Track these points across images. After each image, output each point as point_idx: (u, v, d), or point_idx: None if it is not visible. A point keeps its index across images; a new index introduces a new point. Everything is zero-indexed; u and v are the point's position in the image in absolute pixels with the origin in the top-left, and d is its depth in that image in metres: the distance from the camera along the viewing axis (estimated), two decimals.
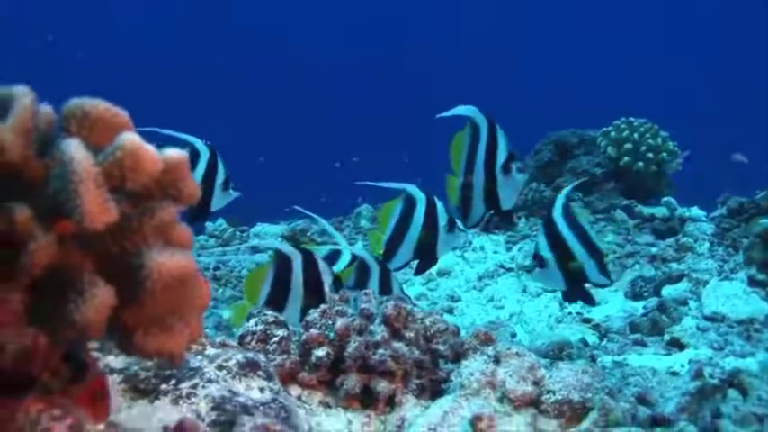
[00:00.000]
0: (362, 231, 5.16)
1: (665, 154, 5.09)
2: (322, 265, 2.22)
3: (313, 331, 1.54)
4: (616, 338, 3.01)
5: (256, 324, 1.56)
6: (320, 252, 2.68)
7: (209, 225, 5.46)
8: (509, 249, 4.59)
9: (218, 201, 2.71)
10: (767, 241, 2.44)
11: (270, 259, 2.27)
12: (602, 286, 2.59)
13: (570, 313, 3.53)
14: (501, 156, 2.30)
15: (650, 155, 5.07)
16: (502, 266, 4.33)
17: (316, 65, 16.56)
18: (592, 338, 3.04)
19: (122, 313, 0.76)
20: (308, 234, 5.07)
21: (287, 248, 2.24)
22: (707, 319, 3.16)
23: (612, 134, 5.16)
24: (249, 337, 1.55)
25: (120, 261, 0.74)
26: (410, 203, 2.60)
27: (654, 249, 4.26)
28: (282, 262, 2.21)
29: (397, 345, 1.53)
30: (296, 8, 18.46)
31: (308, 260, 2.21)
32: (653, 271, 3.91)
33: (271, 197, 5.48)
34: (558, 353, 2.68)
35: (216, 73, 16.16)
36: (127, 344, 0.78)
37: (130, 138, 0.73)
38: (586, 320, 3.29)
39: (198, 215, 2.82)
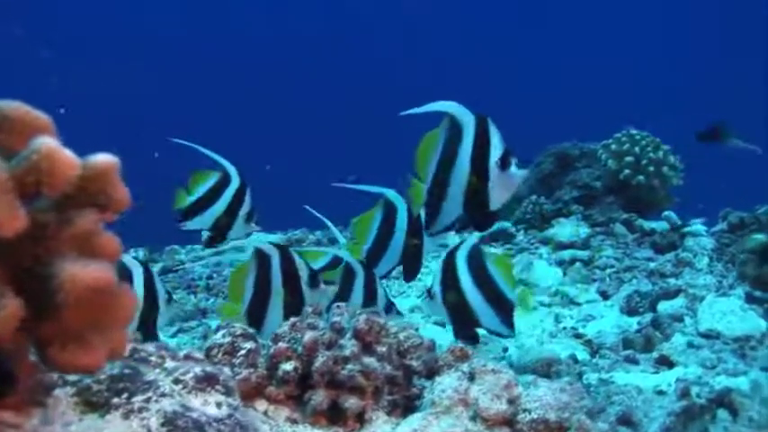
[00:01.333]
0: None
1: (666, 168, 5.04)
2: (298, 261, 2.21)
3: (281, 345, 1.50)
4: (608, 355, 2.96)
5: (223, 336, 1.52)
6: (324, 258, 2.67)
7: (205, 234, 5.41)
8: None
9: (238, 231, 2.70)
10: (762, 257, 2.39)
11: (249, 258, 2.27)
12: (502, 336, 2.54)
13: (565, 328, 3.48)
14: (495, 151, 2.17)
15: (651, 168, 5.02)
16: None
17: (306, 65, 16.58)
18: (582, 354, 2.99)
19: (38, 326, 0.71)
20: (304, 244, 5.04)
21: (265, 246, 2.23)
22: (702, 335, 3.10)
23: (613, 147, 5.11)
24: (216, 350, 1.51)
25: (34, 272, 0.70)
26: (390, 210, 2.57)
27: (652, 264, 4.21)
28: (261, 260, 2.21)
29: (367, 360, 1.48)
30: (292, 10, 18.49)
31: (285, 256, 2.21)
32: (650, 286, 3.85)
33: (268, 206, 5.44)
34: (546, 369, 2.63)
35: (215, 76, 16.15)
36: (43, 358, 0.74)
37: (46, 141, 0.69)
38: (578, 336, 3.24)
39: (214, 241, 2.80)
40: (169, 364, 1.31)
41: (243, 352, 1.50)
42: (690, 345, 2.98)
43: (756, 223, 4.22)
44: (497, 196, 2.16)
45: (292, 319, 1.56)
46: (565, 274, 4.21)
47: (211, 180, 2.67)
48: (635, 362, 2.86)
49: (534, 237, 4.90)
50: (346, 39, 17.72)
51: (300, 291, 2.22)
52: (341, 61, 17.21)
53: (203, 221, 2.73)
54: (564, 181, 5.35)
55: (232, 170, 2.68)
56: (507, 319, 2.48)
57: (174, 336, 3.69)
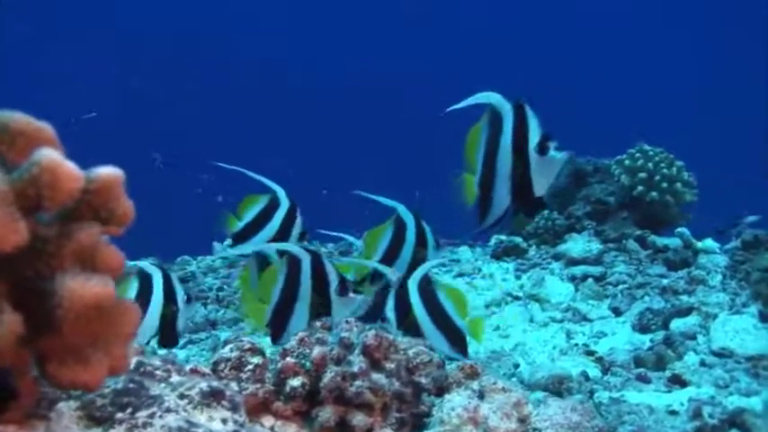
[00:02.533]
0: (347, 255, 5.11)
1: (679, 184, 5.00)
2: (328, 267, 2.23)
3: (289, 360, 1.48)
4: (619, 372, 2.93)
5: (231, 351, 1.51)
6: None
7: (216, 245, 5.41)
8: (518, 277, 4.51)
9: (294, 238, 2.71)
10: None
11: (281, 261, 2.29)
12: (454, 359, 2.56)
13: (576, 345, 3.45)
14: (534, 135, 2.16)
15: (665, 184, 4.98)
16: (510, 294, 4.25)
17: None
18: (594, 372, 2.96)
19: (37, 341, 0.70)
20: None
21: (296, 250, 2.24)
22: (714, 354, 3.07)
23: (627, 162, 5.08)
24: (223, 365, 1.50)
25: (35, 286, 0.69)
26: (401, 225, 2.60)
27: (665, 281, 4.17)
28: (292, 263, 2.22)
29: (376, 376, 1.47)
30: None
31: (317, 261, 2.22)
32: (663, 303, 3.82)
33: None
34: (557, 386, 2.61)
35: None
36: (42, 373, 0.73)
37: (48, 153, 0.68)
38: (590, 353, 3.21)
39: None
40: (175, 378, 1.29)
41: (250, 367, 1.49)
42: (702, 363, 2.95)
43: None
44: (540, 182, 2.16)
45: (300, 334, 1.55)
46: (577, 289, 4.18)
47: (261, 204, 2.67)
48: (647, 380, 2.83)
49: (546, 252, 4.87)
50: (354, 46, 17.78)
51: (329, 296, 2.24)
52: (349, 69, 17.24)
53: (255, 245, 2.73)
54: (577, 196, 5.32)
55: (281, 192, 2.68)
56: (459, 346, 2.52)
57: (183, 347, 3.68)
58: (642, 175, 4.99)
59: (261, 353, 1.52)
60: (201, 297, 4.43)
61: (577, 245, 4.68)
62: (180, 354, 3.56)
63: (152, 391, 1.22)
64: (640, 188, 4.99)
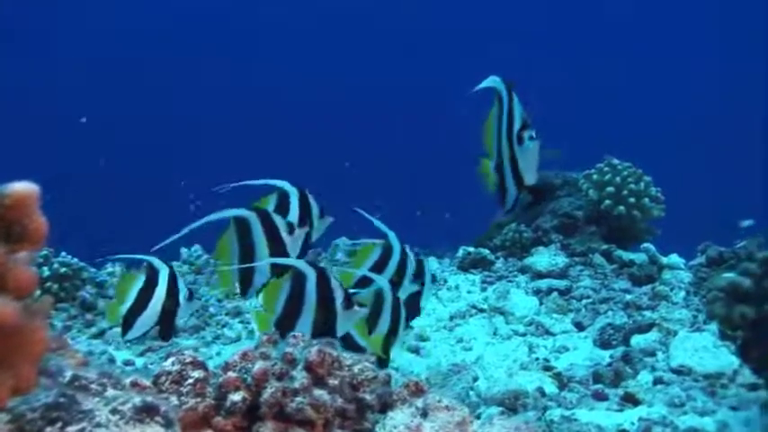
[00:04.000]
0: (338, 264, 5.09)
1: (647, 199, 5.03)
2: (334, 283, 2.25)
3: (230, 374, 1.47)
4: (577, 388, 2.93)
5: (172, 364, 1.49)
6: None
7: (183, 251, 5.38)
8: (484, 289, 4.51)
9: (319, 229, 2.70)
10: (731, 296, 2.37)
11: (288, 274, 2.30)
12: None
13: (537, 359, 3.45)
14: (516, 125, 2.18)
15: (632, 199, 5.00)
16: (474, 307, 4.25)
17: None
18: (551, 388, 2.96)
19: None
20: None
21: (302, 265, 2.25)
22: (673, 371, 3.08)
23: (595, 177, 5.10)
24: (164, 378, 1.48)
25: None
26: (388, 252, 2.66)
27: (629, 296, 4.19)
28: (298, 277, 2.23)
29: (318, 392, 1.45)
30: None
31: (322, 277, 2.24)
32: (625, 318, 3.84)
33: None
34: (513, 402, 2.61)
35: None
36: None
37: None
38: (549, 368, 3.21)
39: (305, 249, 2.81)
40: (110, 392, 1.27)
41: (191, 381, 1.47)
42: (660, 381, 2.96)
43: (735, 258, 4.20)
44: (525, 171, 2.17)
45: (244, 348, 1.53)
46: (541, 303, 4.19)
47: (272, 203, 2.66)
48: (604, 397, 2.83)
49: (513, 265, 4.87)
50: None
51: (334, 310, 2.25)
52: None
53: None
54: (545, 209, 5.33)
55: (285, 185, 2.66)
56: None
57: (141, 354, 3.64)
58: (610, 189, 5.01)
59: (203, 366, 1.50)
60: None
61: (543, 258, 4.69)
62: (138, 361, 3.53)
63: (84, 405, 1.20)
64: (608, 202, 5.01)
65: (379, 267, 2.70)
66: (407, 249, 2.76)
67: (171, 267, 2.61)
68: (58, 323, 4.00)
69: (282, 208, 2.57)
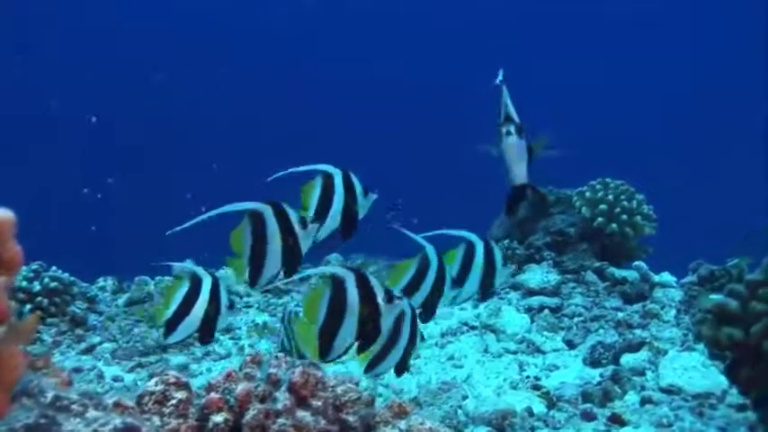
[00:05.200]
0: None
1: (639, 217, 5.03)
2: (373, 281, 2.26)
3: (213, 395, 1.47)
4: (565, 408, 2.92)
5: (156, 384, 1.48)
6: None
7: (175, 266, 5.37)
8: (476, 306, 4.51)
9: (364, 206, 2.72)
10: (719, 317, 2.37)
11: (324, 280, 2.31)
12: None
13: (528, 377, 3.45)
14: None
15: (624, 217, 5.01)
16: (466, 324, 4.25)
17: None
18: (539, 407, 2.95)
19: None
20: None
21: (339, 270, 2.27)
22: (662, 391, 3.08)
23: (588, 194, 5.10)
24: (147, 398, 1.47)
25: None
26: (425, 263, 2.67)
27: (620, 314, 4.19)
28: (337, 281, 2.25)
29: (301, 414, 1.45)
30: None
31: (361, 276, 2.26)
32: (616, 336, 3.83)
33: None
34: (500, 422, 2.60)
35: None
36: None
37: None
38: (538, 387, 3.20)
39: (350, 229, 2.82)
40: (91, 413, 1.27)
41: (174, 401, 1.47)
42: (649, 400, 2.95)
43: (726, 276, 4.21)
44: (508, 168, 2.20)
45: (228, 368, 1.53)
46: (533, 320, 4.19)
47: (317, 188, 2.69)
48: (592, 417, 2.83)
49: (506, 281, 4.87)
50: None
51: (378, 310, 2.25)
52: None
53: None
54: (538, 226, 5.33)
55: (327, 167, 2.69)
56: None
57: (131, 371, 3.63)
58: (602, 206, 5.01)
59: (186, 387, 1.50)
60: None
61: (536, 276, 4.69)
62: (127, 377, 3.52)
63: (64, 426, 1.20)
64: (600, 220, 5.01)
65: (416, 282, 2.72)
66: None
67: (215, 277, 2.73)
68: (48, 338, 4.00)
69: (328, 189, 2.60)
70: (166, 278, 4.87)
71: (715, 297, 2.52)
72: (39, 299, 4.15)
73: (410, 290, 2.71)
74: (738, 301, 2.38)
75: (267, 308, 4.71)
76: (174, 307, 2.64)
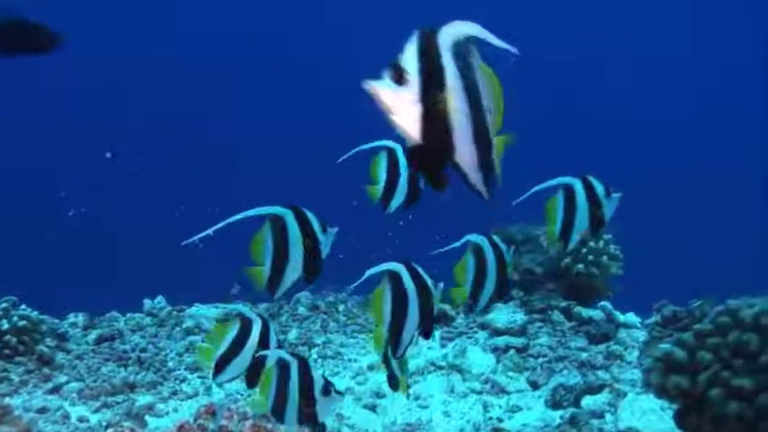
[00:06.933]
0: (299, 318, 5.13)
1: (605, 257, 5.11)
2: (422, 271, 2.28)
3: None
4: None
5: None
6: None
7: (147, 302, 5.40)
8: (443, 346, 4.56)
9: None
10: (668, 365, 2.44)
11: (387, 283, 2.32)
12: None
13: (491, 418, 3.50)
14: None
15: (591, 257, 5.08)
16: (433, 364, 4.30)
17: None
18: None
19: None
20: None
21: (395, 266, 2.29)
22: None
23: None
24: None
25: None
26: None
27: (584, 354, 4.25)
28: (395, 278, 2.27)
29: None
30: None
31: (413, 269, 2.28)
32: (579, 377, 3.89)
33: (210, 275, 5.37)
34: None
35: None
36: None
37: None
38: (499, 430, 3.26)
39: (413, 199, 2.83)
40: None
41: None
42: None
43: (689, 317, 4.28)
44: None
45: (181, 420, 1.58)
46: (498, 360, 4.24)
47: (383, 160, 2.72)
48: None
49: (474, 321, 4.92)
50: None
51: (431, 296, 2.30)
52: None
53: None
54: None
55: (388, 143, 2.72)
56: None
57: (96, 411, 3.64)
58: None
59: None
60: (123, 358, 4.39)
61: (502, 315, 4.74)
62: (92, 417, 3.53)
63: None
64: (567, 260, 5.08)
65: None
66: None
67: (264, 319, 2.74)
68: (15, 377, 4.01)
69: (394, 165, 2.64)
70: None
71: (664, 346, 2.59)
72: (7, 337, 4.17)
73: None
74: (686, 351, 2.45)
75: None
76: (223, 348, 2.59)
